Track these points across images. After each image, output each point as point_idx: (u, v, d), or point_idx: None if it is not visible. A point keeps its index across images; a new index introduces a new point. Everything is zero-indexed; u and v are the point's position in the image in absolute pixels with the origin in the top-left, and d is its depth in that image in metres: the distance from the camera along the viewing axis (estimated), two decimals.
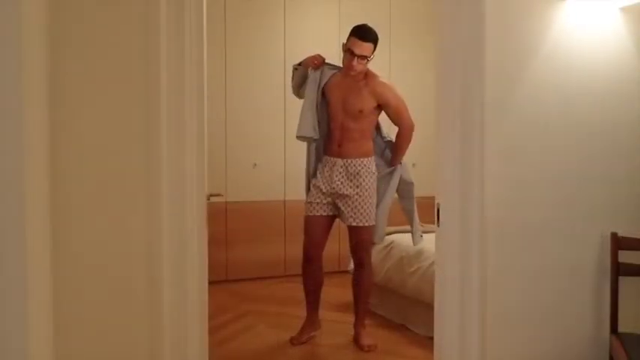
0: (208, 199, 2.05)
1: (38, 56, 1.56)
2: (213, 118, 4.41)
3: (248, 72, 4.78)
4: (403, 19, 5.25)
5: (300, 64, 3.32)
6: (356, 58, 3.07)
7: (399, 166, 3.33)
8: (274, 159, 4.83)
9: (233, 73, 4.74)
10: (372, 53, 3.13)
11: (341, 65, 3.25)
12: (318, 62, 3.26)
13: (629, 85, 2.24)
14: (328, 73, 3.27)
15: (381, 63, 5.16)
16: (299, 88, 3.37)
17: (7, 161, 1.34)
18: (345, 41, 3.16)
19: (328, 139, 3.29)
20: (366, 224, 3.23)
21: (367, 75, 3.21)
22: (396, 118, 3.28)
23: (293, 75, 3.39)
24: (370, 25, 3.17)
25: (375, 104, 3.21)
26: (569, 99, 2.15)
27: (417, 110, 5.26)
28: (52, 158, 1.65)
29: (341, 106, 3.20)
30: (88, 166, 1.72)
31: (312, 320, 3.36)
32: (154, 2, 1.76)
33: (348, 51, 3.10)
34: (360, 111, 3.17)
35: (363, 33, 3.09)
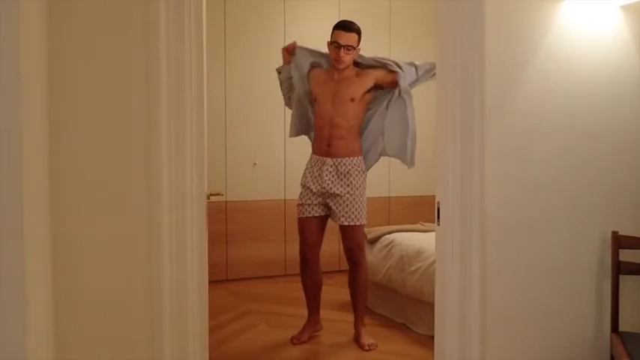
0: (208, 199, 2.04)
1: (37, 57, 1.56)
2: (213, 118, 4.41)
3: (248, 71, 4.78)
4: (403, 19, 5.25)
5: (280, 68, 3.37)
6: (342, 49, 3.10)
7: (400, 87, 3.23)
8: (274, 158, 4.83)
9: (233, 73, 4.74)
10: (358, 44, 3.17)
11: (317, 49, 3.31)
12: (290, 47, 3.30)
13: (630, 85, 2.24)
14: (305, 60, 3.30)
15: None
16: (289, 97, 3.43)
17: (6, 162, 1.34)
18: (329, 39, 3.20)
19: (315, 139, 3.29)
20: (358, 223, 3.23)
21: (359, 72, 3.25)
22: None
23: (280, 83, 3.42)
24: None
25: (370, 85, 3.23)
26: (569, 98, 2.14)
27: (416, 110, 5.28)
28: (52, 158, 1.65)
29: (330, 100, 3.20)
30: (88, 165, 1.72)
31: (313, 321, 3.37)
32: (154, 2, 1.76)
33: (333, 44, 3.15)
34: (352, 99, 3.18)
35: (346, 24, 3.16)
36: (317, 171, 3.23)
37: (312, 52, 3.32)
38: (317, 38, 3.27)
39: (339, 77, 3.21)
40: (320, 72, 3.29)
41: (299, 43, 3.32)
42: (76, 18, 1.69)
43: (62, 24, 1.67)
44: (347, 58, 3.14)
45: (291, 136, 3.44)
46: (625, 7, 2.20)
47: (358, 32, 3.16)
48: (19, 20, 1.34)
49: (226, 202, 4.65)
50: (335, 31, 3.15)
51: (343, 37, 3.11)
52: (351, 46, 3.12)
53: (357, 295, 3.32)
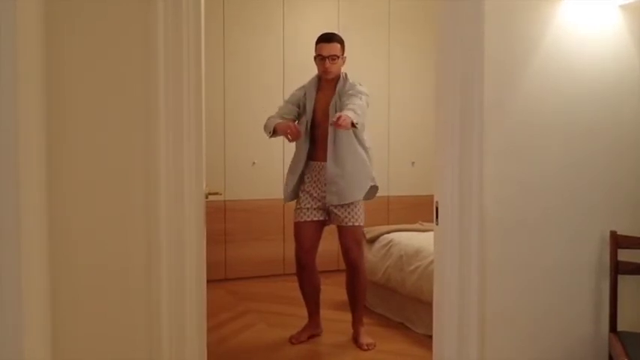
0: (207, 198, 2.04)
1: (35, 57, 1.55)
2: (212, 117, 4.41)
3: (246, 71, 4.78)
4: (402, 19, 5.25)
5: (274, 132, 3.24)
6: (327, 60, 3.16)
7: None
8: (273, 157, 4.83)
9: (232, 72, 4.74)
10: (342, 53, 3.22)
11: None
12: (296, 136, 3.15)
13: (629, 84, 2.24)
14: (311, 93, 3.28)
15: (380, 63, 5.18)
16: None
17: (4, 162, 1.33)
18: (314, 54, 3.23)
19: (313, 146, 3.27)
20: (361, 223, 3.27)
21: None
22: None
23: (267, 134, 3.30)
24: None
25: None
26: (568, 98, 2.14)
27: (416, 109, 5.30)
28: (50, 157, 1.65)
29: (326, 112, 3.21)
30: (86, 165, 1.71)
31: (314, 323, 3.38)
32: (153, 2, 1.75)
33: (318, 57, 3.21)
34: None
35: (327, 36, 3.22)
36: (316, 176, 3.24)
37: (298, 95, 3.32)
38: (315, 38, 3.27)
39: (330, 91, 3.23)
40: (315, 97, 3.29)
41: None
42: (75, 18, 1.68)
43: (60, 24, 1.66)
44: (333, 67, 3.19)
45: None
46: (624, 7, 2.20)
47: (340, 42, 3.21)
48: (16, 20, 1.34)
49: (225, 201, 4.65)
50: (317, 45, 3.21)
51: (325, 49, 3.17)
52: (335, 56, 3.17)
53: (356, 296, 3.32)
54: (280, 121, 3.21)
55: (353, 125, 2.89)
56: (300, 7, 4.93)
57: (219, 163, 4.69)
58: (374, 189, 3.31)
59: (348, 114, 2.88)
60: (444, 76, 2.04)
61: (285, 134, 3.16)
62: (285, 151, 4.79)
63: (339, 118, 2.82)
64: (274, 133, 3.23)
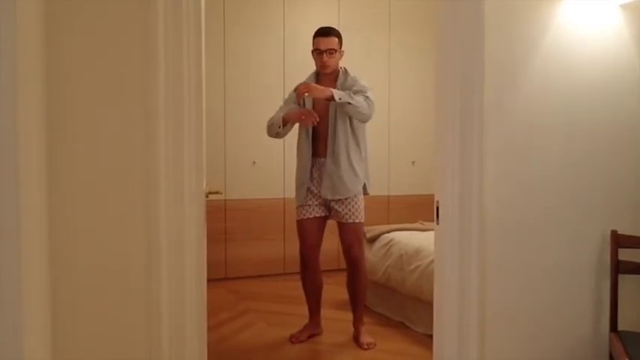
0: (207, 197, 2.04)
1: (35, 57, 1.55)
2: (213, 117, 4.41)
3: (246, 71, 4.78)
4: (403, 19, 5.25)
5: (284, 124, 3.20)
6: (324, 54, 3.16)
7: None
8: (273, 157, 4.83)
9: (232, 72, 4.74)
10: (340, 47, 3.22)
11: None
12: (312, 118, 3.10)
13: (630, 84, 2.24)
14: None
15: (380, 63, 5.18)
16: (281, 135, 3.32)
17: (4, 163, 1.33)
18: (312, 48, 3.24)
19: (315, 142, 3.27)
20: (362, 220, 3.28)
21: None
22: None
23: (276, 130, 3.25)
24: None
25: None
26: (569, 98, 2.14)
27: (416, 109, 5.30)
28: (50, 156, 1.65)
29: (326, 107, 3.21)
30: (86, 164, 1.71)
31: (315, 323, 3.38)
32: (153, 3, 1.75)
33: (315, 51, 3.21)
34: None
35: (324, 30, 3.22)
36: (317, 172, 3.24)
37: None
38: None
39: (328, 83, 3.23)
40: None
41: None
42: (75, 18, 1.68)
43: (60, 24, 1.66)
44: (331, 61, 3.18)
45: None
46: (624, 7, 2.20)
47: (337, 35, 3.21)
48: (16, 20, 1.34)
49: (225, 200, 4.66)
50: (315, 39, 3.21)
51: (323, 43, 3.17)
52: (333, 49, 3.17)
53: (357, 293, 3.33)
54: (284, 113, 3.21)
55: (332, 98, 2.99)
56: (300, 7, 4.93)
57: (220, 163, 4.69)
58: (364, 188, 3.31)
59: (341, 93, 3.00)
60: (444, 76, 2.04)
61: (300, 119, 3.13)
62: (285, 151, 4.79)
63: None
64: (284, 125, 3.19)
